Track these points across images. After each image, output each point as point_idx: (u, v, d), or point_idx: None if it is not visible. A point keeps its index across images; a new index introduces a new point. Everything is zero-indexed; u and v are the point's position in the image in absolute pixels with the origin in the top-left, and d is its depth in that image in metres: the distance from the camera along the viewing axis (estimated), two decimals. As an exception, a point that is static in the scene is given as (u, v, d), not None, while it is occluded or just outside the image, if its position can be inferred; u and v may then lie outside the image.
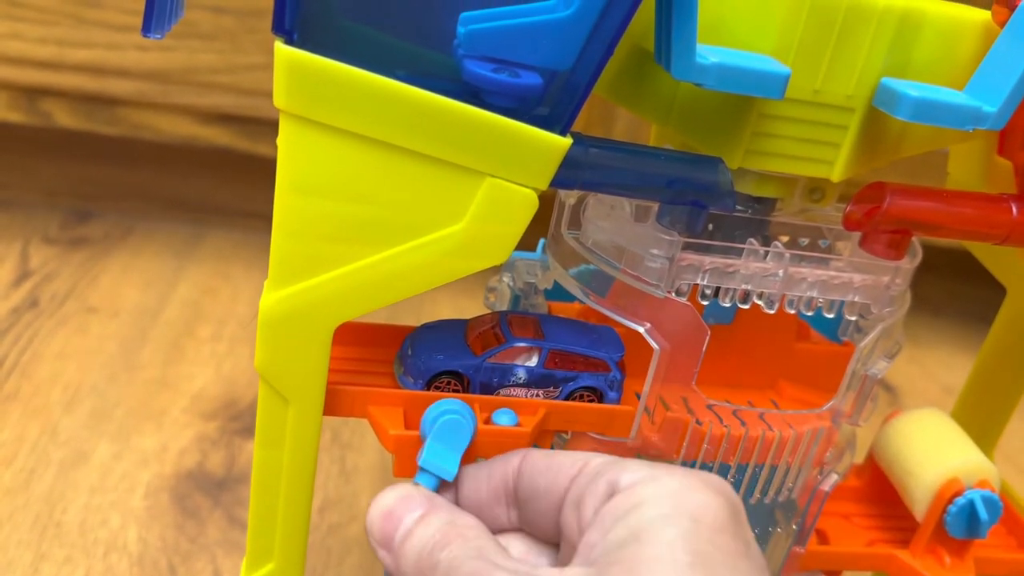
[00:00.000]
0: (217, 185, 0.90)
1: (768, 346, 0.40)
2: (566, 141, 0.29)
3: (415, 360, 0.34)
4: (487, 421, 0.33)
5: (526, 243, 0.33)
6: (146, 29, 0.28)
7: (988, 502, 0.39)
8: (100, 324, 0.73)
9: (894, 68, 0.32)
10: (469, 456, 0.33)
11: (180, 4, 0.30)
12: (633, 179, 0.32)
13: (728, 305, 0.35)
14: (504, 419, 0.33)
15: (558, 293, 0.40)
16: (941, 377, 0.87)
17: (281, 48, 0.27)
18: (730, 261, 0.34)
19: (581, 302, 0.36)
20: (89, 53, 0.75)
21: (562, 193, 0.37)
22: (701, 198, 0.32)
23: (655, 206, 0.34)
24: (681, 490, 0.26)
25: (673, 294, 0.34)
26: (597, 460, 0.29)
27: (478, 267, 0.30)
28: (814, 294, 0.35)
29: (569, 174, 0.30)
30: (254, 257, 0.87)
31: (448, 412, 0.32)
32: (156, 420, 0.63)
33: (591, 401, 0.35)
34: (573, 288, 0.36)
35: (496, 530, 0.30)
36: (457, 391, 0.34)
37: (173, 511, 0.55)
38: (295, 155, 0.28)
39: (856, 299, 0.36)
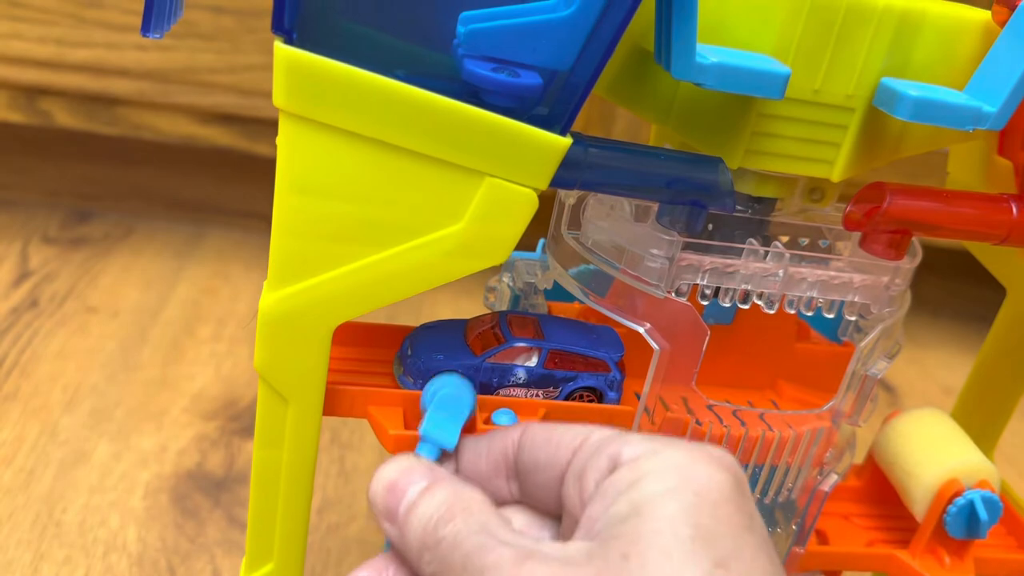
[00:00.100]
0: (217, 185, 0.90)
1: (768, 346, 0.40)
2: (566, 141, 0.29)
3: (415, 360, 0.34)
4: (487, 421, 0.33)
5: (526, 243, 0.33)
6: (145, 29, 0.28)
7: (988, 502, 0.39)
8: (100, 324, 0.73)
9: (894, 68, 0.32)
10: None
11: (179, 4, 0.30)
12: (633, 179, 0.32)
13: (728, 305, 0.35)
14: (504, 419, 0.33)
15: (558, 293, 0.40)
16: (941, 377, 0.87)
17: (280, 48, 0.27)
18: (730, 261, 0.34)
19: (581, 302, 0.36)
20: (89, 53, 0.75)
21: (562, 193, 0.37)
22: (701, 198, 0.32)
23: (655, 206, 0.34)
24: (684, 463, 0.26)
25: (673, 294, 0.34)
26: (599, 433, 0.29)
27: (478, 267, 0.30)
28: (814, 294, 0.35)
29: (569, 174, 0.30)
30: (254, 257, 0.87)
31: (448, 384, 0.32)
32: (156, 420, 0.63)
33: (591, 401, 0.35)
34: (573, 288, 0.36)
35: (498, 502, 0.30)
36: (457, 391, 0.34)
37: (173, 511, 0.55)
38: (295, 155, 0.28)
39: (856, 299, 0.36)
